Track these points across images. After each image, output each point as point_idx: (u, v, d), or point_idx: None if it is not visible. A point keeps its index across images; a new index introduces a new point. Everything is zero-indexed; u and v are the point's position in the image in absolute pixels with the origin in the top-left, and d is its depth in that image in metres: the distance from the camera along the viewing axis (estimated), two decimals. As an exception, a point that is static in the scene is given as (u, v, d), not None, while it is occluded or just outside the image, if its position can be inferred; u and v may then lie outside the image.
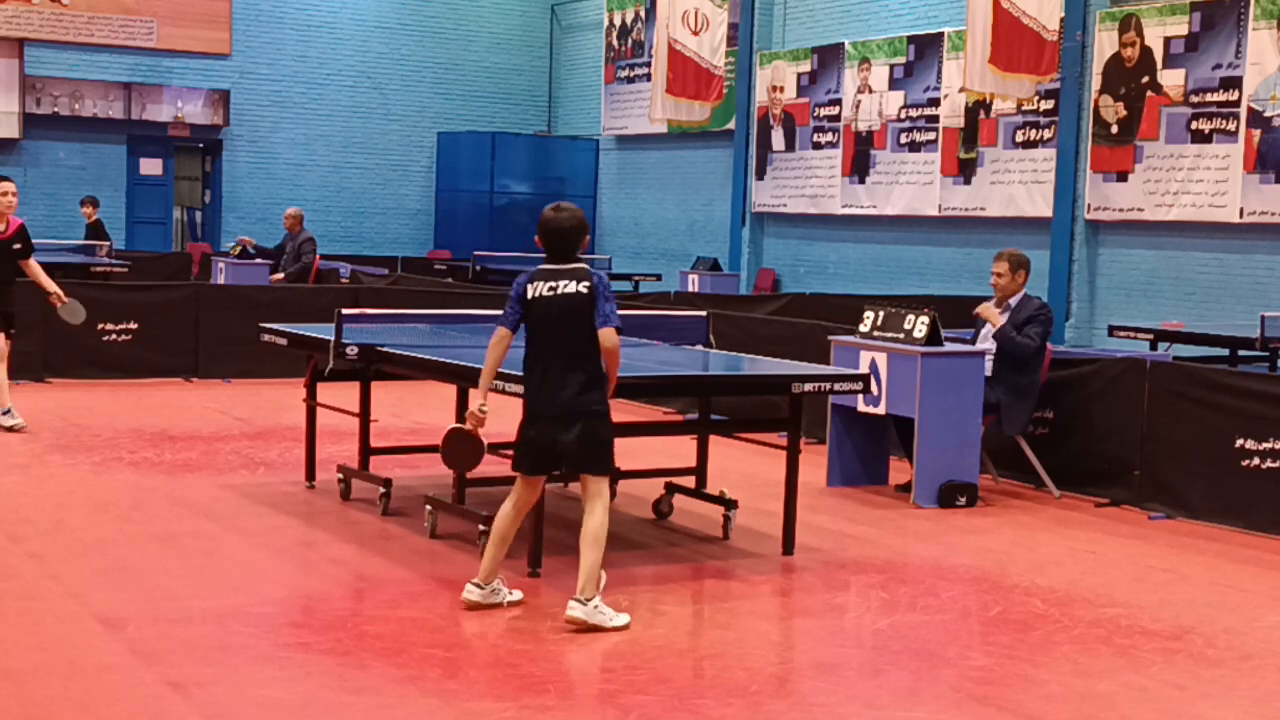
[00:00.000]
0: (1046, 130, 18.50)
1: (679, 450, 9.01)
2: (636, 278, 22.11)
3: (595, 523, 6.20)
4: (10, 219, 10.64)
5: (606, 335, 6.10)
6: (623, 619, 6.12)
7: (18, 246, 10.67)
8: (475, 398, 6.35)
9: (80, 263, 17.45)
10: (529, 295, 6.15)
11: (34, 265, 10.84)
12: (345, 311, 8.14)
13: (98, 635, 5.76)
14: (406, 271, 21.69)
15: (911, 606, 6.69)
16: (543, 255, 6.29)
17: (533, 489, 6.40)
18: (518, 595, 6.42)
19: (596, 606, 6.07)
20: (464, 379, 7.28)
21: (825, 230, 22.21)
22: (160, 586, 6.54)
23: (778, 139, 22.80)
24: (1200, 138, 16.67)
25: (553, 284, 6.14)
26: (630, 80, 25.78)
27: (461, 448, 6.42)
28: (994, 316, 9.32)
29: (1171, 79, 16.99)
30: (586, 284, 6.11)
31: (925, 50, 20.19)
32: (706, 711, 5.13)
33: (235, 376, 13.31)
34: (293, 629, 5.96)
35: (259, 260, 17.62)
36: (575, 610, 6.05)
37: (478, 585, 6.31)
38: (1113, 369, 9.44)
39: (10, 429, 10.39)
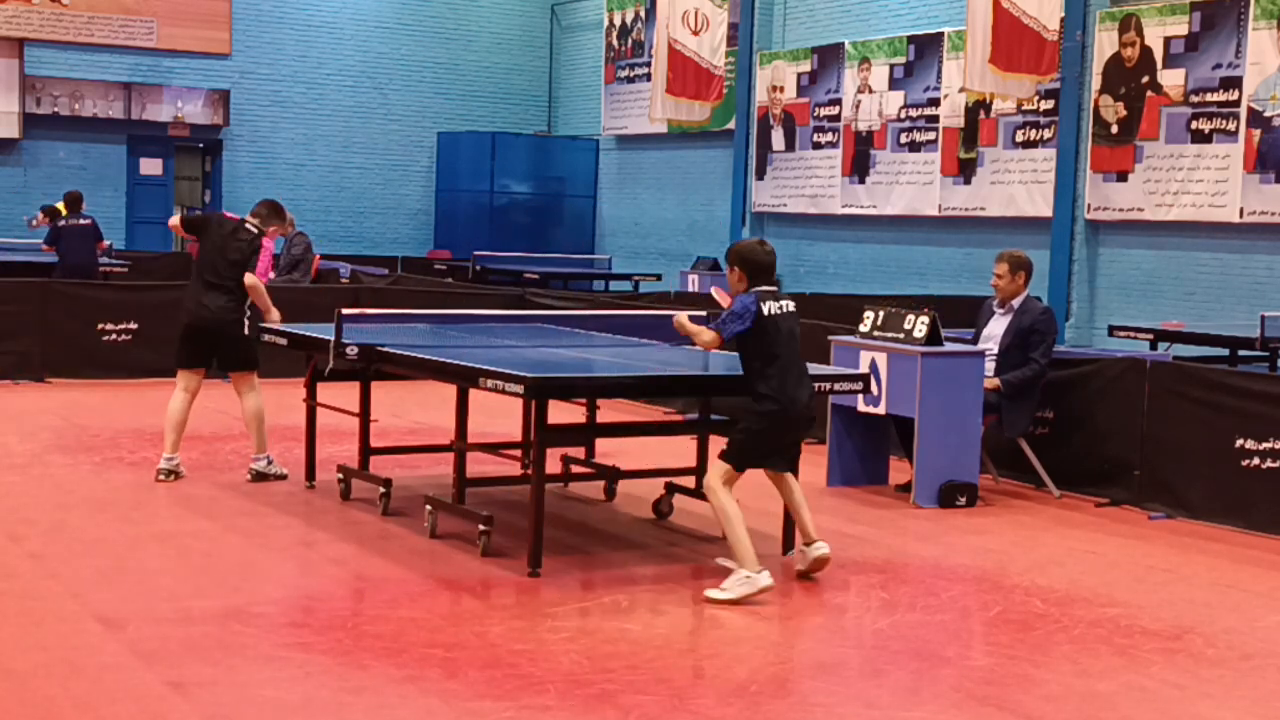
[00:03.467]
0: (1046, 130, 18.50)
1: (679, 450, 9.01)
2: (636, 278, 22.11)
3: (799, 489, 7.23)
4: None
5: None
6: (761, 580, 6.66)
7: None
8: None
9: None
10: (766, 312, 6.89)
11: None
12: (345, 311, 8.15)
13: (98, 635, 5.76)
14: (406, 271, 21.69)
15: (911, 606, 6.69)
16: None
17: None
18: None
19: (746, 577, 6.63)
20: (464, 379, 7.29)
21: (825, 230, 22.21)
22: (160, 586, 6.54)
23: (778, 139, 22.79)
24: (1200, 138, 16.66)
25: (779, 303, 7.01)
26: (630, 80, 25.78)
27: None
28: (992, 383, 9.24)
29: (1171, 79, 16.98)
30: (792, 302, 7.13)
31: (925, 50, 20.19)
32: (706, 711, 5.13)
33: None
34: (293, 629, 5.96)
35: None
36: (824, 548, 7.05)
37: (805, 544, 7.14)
38: (1113, 369, 9.44)
39: None
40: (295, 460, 9.40)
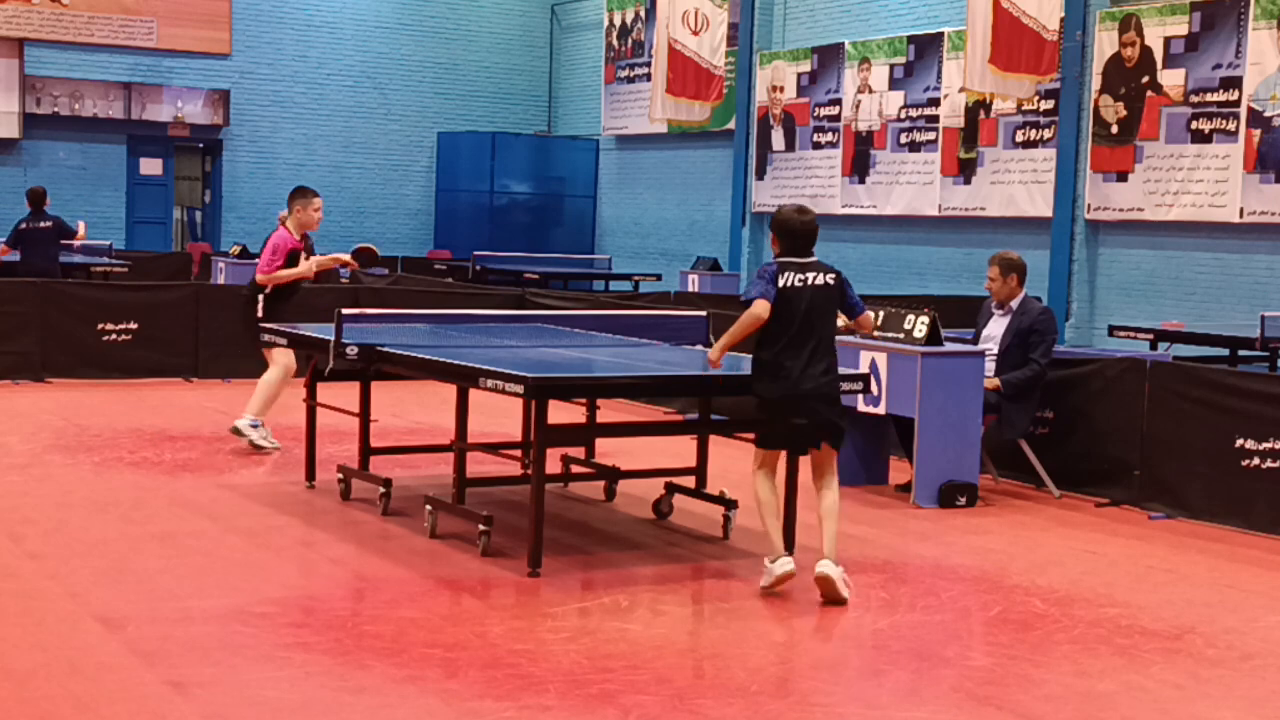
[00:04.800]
0: (1046, 130, 18.50)
1: (679, 450, 9.01)
2: (636, 278, 22.12)
3: (834, 495, 6.86)
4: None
5: (865, 318, 7.19)
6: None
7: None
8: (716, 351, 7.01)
9: (80, 262, 17.42)
10: (781, 284, 6.67)
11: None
12: (345, 311, 8.14)
13: (98, 635, 5.76)
14: (406, 271, 21.70)
15: (911, 606, 6.69)
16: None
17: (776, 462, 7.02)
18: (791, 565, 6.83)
19: (842, 571, 6.64)
20: (464, 379, 7.29)
21: (825, 230, 22.01)
22: (160, 586, 6.54)
23: (778, 139, 22.80)
24: (1200, 138, 16.67)
25: (802, 275, 6.72)
26: (630, 80, 25.78)
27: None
28: (992, 384, 9.23)
29: (1171, 79, 16.99)
30: (832, 275, 6.84)
31: (925, 50, 20.19)
32: (706, 711, 5.13)
33: (235, 376, 13.29)
34: (293, 629, 5.95)
35: (257, 260, 17.58)
36: (826, 568, 6.63)
37: (787, 556, 6.82)
38: (1113, 369, 9.44)
39: None
40: (295, 460, 9.41)
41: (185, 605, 6.22)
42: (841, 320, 7.15)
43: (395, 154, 26.98)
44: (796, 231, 6.81)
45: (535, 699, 5.19)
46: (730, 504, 7.93)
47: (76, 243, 16.44)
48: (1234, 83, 16.29)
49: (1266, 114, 16.00)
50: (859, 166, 21.32)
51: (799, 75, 22.35)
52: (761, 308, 6.66)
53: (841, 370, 7.04)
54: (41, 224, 15.75)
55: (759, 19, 23.07)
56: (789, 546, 7.55)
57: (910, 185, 20.50)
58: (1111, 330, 14.11)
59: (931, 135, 20.14)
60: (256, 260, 17.49)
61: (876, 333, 9.19)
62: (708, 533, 7.98)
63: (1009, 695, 5.46)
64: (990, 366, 9.25)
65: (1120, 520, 8.84)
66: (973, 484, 9.02)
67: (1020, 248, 18.12)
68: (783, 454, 7.08)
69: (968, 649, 6.11)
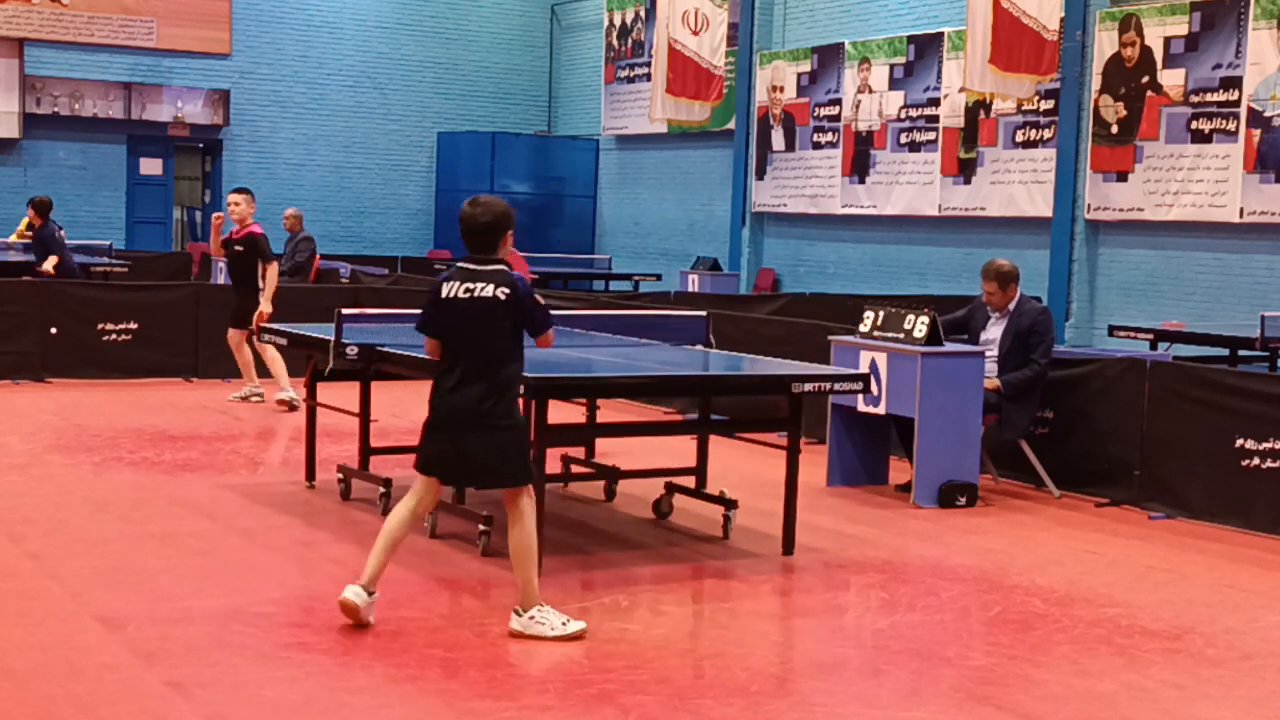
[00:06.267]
0: (1046, 130, 18.50)
1: (679, 450, 9.01)
2: (636, 278, 22.13)
3: (520, 534, 5.92)
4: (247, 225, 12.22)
5: (544, 341, 6.12)
6: (574, 627, 5.87)
7: (239, 249, 12.33)
8: None
9: (80, 263, 17.40)
10: (444, 295, 5.89)
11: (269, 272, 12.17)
12: (345, 311, 8.15)
13: (98, 635, 5.76)
14: (406, 271, 21.69)
15: (911, 606, 6.69)
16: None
17: (435, 494, 6.18)
18: (373, 615, 5.97)
19: (533, 616, 5.88)
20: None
21: (825, 230, 22.21)
22: (160, 586, 6.54)
23: (778, 139, 22.80)
24: (1200, 138, 16.67)
25: (469, 285, 5.86)
26: (630, 80, 25.78)
27: None
28: (992, 384, 9.23)
29: (1171, 79, 16.99)
30: (505, 289, 5.82)
31: (925, 50, 20.19)
32: (706, 711, 5.13)
33: (235, 376, 13.29)
34: (293, 629, 5.95)
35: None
36: (514, 622, 5.91)
37: (367, 591, 5.94)
38: (1113, 369, 9.44)
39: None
40: (295, 460, 9.41)
41: (185, 605, 6.22)
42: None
43: (395, 154, 26.98)
44: (466, 228, 5.96)
45: (535, 699, 5.19)
46: (730, 504, 7.93)
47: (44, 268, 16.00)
48: (1234, 83, 16.29)
49: (1266, 114, 16.00)
50: (859, 166, 21.32)
51: (799, 75, 22.35)
52: (430, 347, 6.02)
53: (841, 370, 6.95)
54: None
55: (759, 19, 23.08)
56: (788, 547, 7.54)
57: (910, 185, 20.50)
58: (1111, 330, 14.12)
59: (931, 135, 20.14)
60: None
61: (877, 333, 9.18)
62: (708, 533, 7.98)
63: (1009, 695, 5.46)
64: (991, 368, 9.26)
65: (1120, 520, 8.84)
66: (973, 484, 9.02)
67: (1020, 248, 18.21)
68: (438, 488, 6.19)
69: (968, 649, 6.11)
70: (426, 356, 6.11)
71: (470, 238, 5.97)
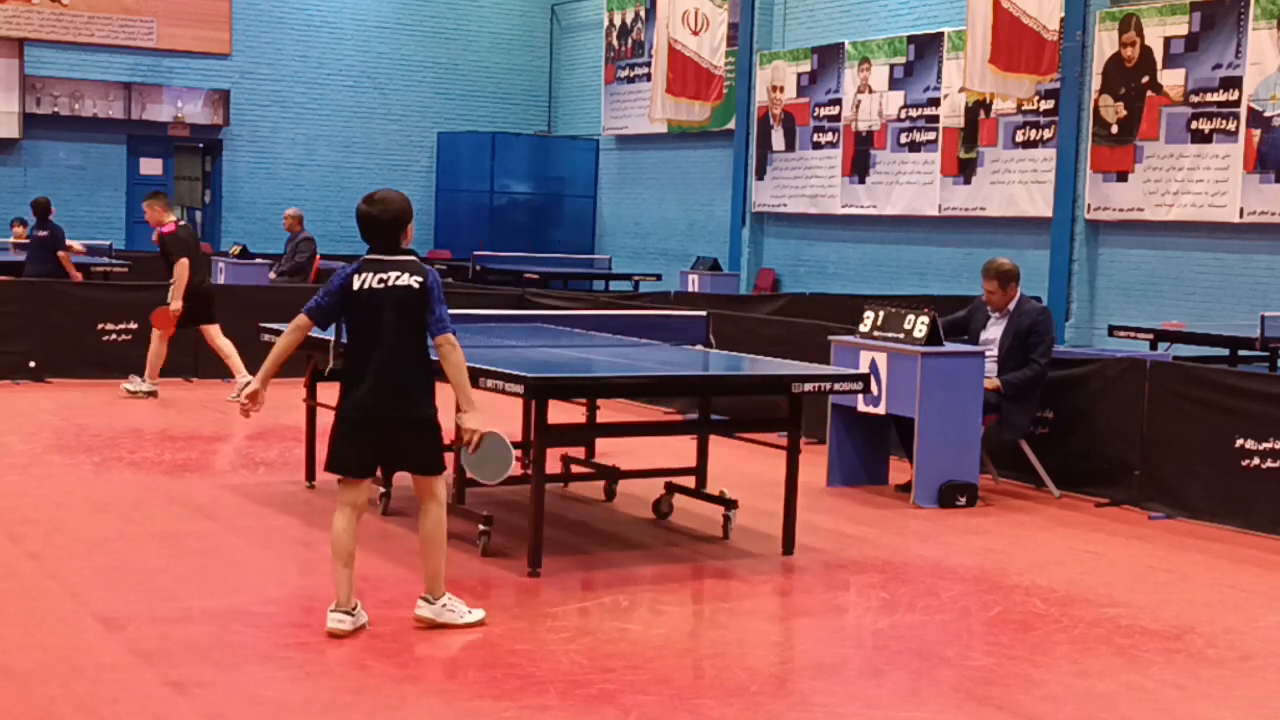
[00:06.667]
0: (1046, 130, 18.51)
1: (679, 450, 9.01)
2: (636, 278, 22.12)
3: (431, 523, 5.96)
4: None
5: (444, 341, 5.84)
6: (477, 614, 6.00)
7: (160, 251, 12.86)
8: (255, 382, 6.05)
9: (80, 263, 17.40)
10: (356, 286, 5.82)
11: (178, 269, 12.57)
12: (345, 311, 8.11)
13: (98, 635, 5.76)
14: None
15: (911, 606, 6.69)
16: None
17: (363, 490, 6.00)
18: (364, 618, 5.89)
19: (445, 604, 5.97)
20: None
21: (825, 230, 22.21)
22: (160, 586, 6.54)
23: (778, 139, 22.80)
24: (1200, 138, 16.67)
25: (382, 275, 5.83)
26: (630, 80, 25.78)
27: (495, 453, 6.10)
28: (992, 384, 9.23)
29: (1171, 79, 16.99)
30: (419, 278, 5.83)
31: (925, 50, 20.19)
32: (706, 711, 5.13)
33: (232, 377, 13.28)
34: (293, 629, 5.95)
35: (259, 260, 17.64)
36: (423, 609, 5.96)
37: (347, 613, 5.82)
38: (1113, 369, 9.44)
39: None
40: (295, 460, 9.41)
41: (185, 605, 6.22)
42: None
43: (395, 154, 26.98)
44: (365, 224, 5.98)
45: (535, 699, 5.19)
46: (730, 504, 7.93)
47: (72, 255, 16.20)
48: (1234, 83, 16.29)
49: (1266, 114, 16.00)
50: (859, 166, 21.33)
51: (799, 75, 22.35)
52: (301, 321, 5.92)
53: (841, 370, 6.95)
54: (40, 233, 15.83)
55: (759, 19, 23.08)
56: (788, 547, 7.55)
57: (910, 185, 20.50)
58: (1111, 330, 14.12)
59: (931, 135, 20.15)
60: (257, 260, 17.62)
61: (877, 333, 9.18)
62: (708, 533, 7.98)
63: (1009, 695, 5.46)
64: (991, 368, 9.26)
65: (1120, 520, 8.84)
66: (973, 484, 9.02)
67: (1020, 248, 18.21)
68: (368, 488, 6.05)
69: (968, 649, 6.11)
70: (288, 339, 5.97)
71: (372, 236, 5.98)
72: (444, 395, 5.96)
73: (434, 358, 5.92)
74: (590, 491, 8.96)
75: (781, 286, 22.38)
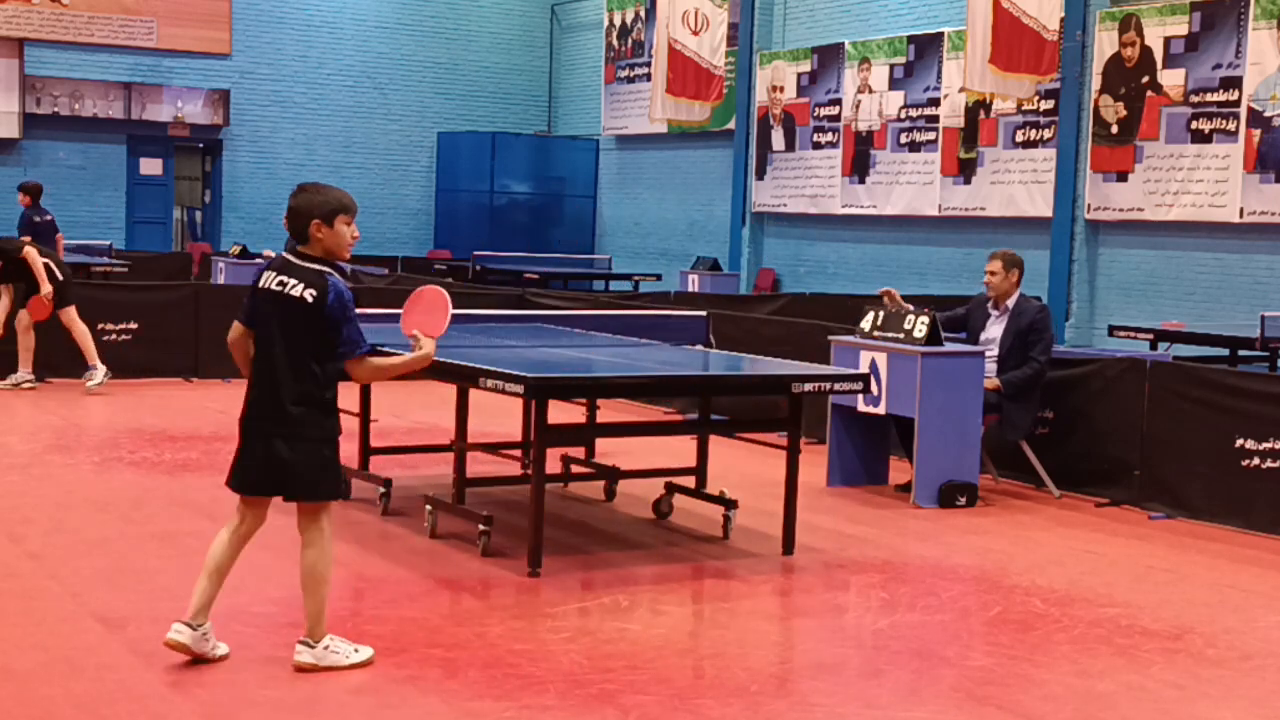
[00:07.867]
0: (1046, 130, 18.51)
1: (679, 450, 9.01)
2: (636, 278, 22.13)
3: (311, 557, 5.52)
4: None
5: (355, 364, 5.43)
6: (364, 653, 5.49)
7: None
8: None
9: (80, 262, 17.40)
10: (260, 284, 5.40)
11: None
12: (345, 311, 8.11)
13: (98, 635, 5.76)
14: (406, 271, 21.70)
15: (911, 606, 6.69)
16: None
17: (255, 513, 5.66)
18: (224, 649, 5.51)
19: (327, 647, 5.45)
20: (464, 379, 7.28)
21: (825, 230, 22.21)
22: (160, 586, 6.54)
23: (778, 139, 22.80)
24: (1200, 138, 16.67)
25: (283, 279, 5.33)
26: (630, 80, 25.79)
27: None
28: (992, 384, 9.24)
29: (1171, 79, 16.99)
30: (314, 291, 5.26)
31: (925, 50, 20.20)
32: (706, 711, 5.13)
33: (235, 376, 13.27)
34: (293, 629, 5.95)
35: (259, 260, 17.62)
36: (303, 655, 5.42)
37: (189, 625, 5.42)
38: (1113, 369, 9.44)
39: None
40: (295, 460, 9.40)
41: (185, 605, 6.21)
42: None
43: (395, 154, 26.99)
44: (287, 215, 5.44)
45: (535, 699, 5.19)
46: (730, 504, 7.93)
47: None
48: (1234, 83, 16.30)
49: (1266, 114, 16.00)
50: (859, 166, 21.33)
51: (799, 75, 22.36)
52: (234, 330, 5.56)
53: (841, 370, 6.94)
54: (45, 217, 15.86)
55: (759, 19, 23.08)
56: (788, 547, 7.55)
57: (910, 185, 20.50)
58: (1111, 330, 14.12)
59: (931, 135, 20.15)
60: (257, 260, 17.62)
61: (877, 333, 9.18)
62: (708, 533, 7.98)
63: (1009, 695, 5.46)
64: (991, 368, 9.26)
65: (1120, 520, 8.84)
66: (973, 484, 9.02)
67: (1020, 248, 18.11)
68: (259, 503, 5.75)
69: (968, 649, 6.11)
70: (233, 351, 5.63)
71: (287, 225, 5.51)
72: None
73: (340, 379, 5.47)
74: (590, 491, 8.96)
75: (781, 286, 22.38)
